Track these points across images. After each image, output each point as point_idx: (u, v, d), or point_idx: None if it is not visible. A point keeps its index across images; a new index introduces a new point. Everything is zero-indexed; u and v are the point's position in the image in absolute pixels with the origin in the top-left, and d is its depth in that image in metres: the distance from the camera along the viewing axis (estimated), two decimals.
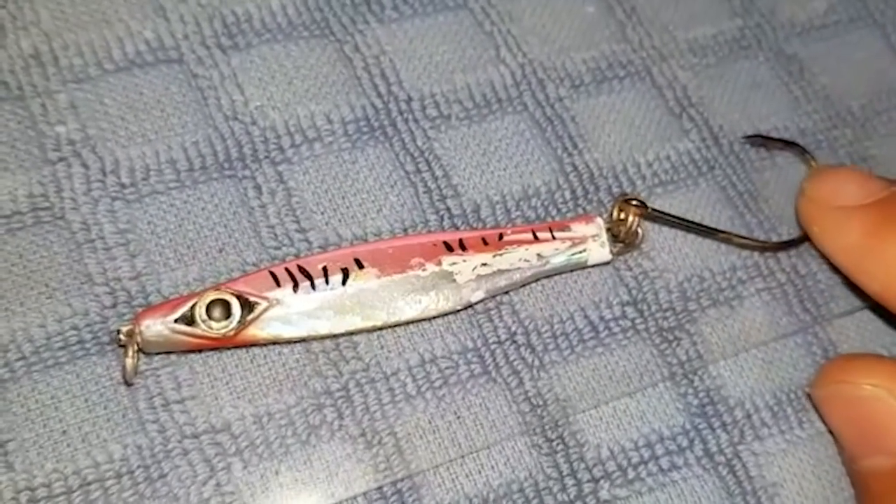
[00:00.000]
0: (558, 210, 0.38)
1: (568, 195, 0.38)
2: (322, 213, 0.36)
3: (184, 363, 0.33)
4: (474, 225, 0.37)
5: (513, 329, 0.35)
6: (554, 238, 0.35)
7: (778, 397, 0.37)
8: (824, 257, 0.38)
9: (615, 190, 0.38)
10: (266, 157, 0.36)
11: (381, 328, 0.34)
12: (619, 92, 0.41)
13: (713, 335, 0.37)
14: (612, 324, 0.36)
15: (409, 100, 0.38)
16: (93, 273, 0.33)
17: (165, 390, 0.32)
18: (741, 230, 0.39)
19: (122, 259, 0.33)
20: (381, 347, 0.34)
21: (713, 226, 0.38)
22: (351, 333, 0.34)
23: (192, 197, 0.35)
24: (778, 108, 0.42)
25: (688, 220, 0.37)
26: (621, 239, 0.37)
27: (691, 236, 0.38)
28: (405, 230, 0.36)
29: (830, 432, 0.36)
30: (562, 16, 0.41)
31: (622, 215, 0.37)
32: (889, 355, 0.39)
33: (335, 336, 0.34)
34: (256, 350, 0.33)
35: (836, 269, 0.38)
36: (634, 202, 0.36)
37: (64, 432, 0.31)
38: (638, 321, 0.36)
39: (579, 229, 0.36)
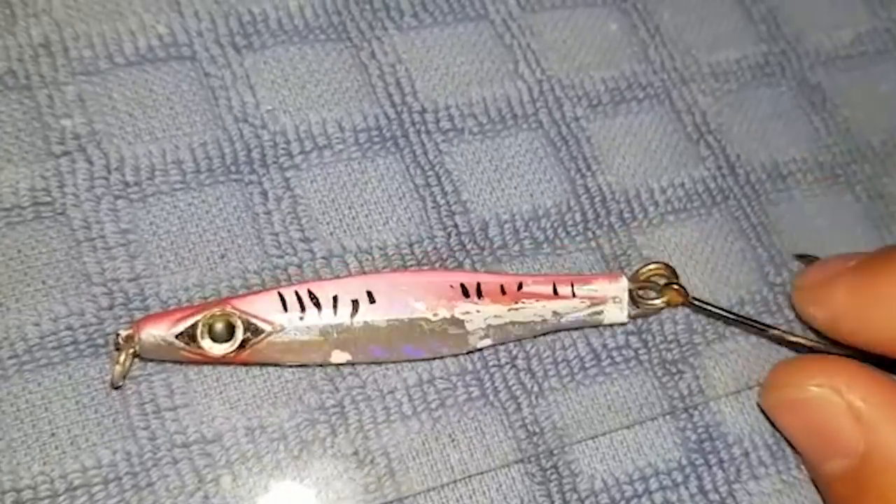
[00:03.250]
0: (567, 232, 0.37)
1: (578, 217, 0.37)
2: (328, 223, 0.35)
3: (178, 371, 0.32)
4: (482, 244, 0.36)
5: (514, 353, 0.35)
6: (574, 295, 0.35)
7: (777, 437, 0.36)
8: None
9: (626, 215, 0.38)
10: (274, 162, 0.35)
11: (380, 363, 0.33)
12: (637, 114, 0.40)
13: (716, 370, 0.36)
14: (614, 353, 0.36)
15: (423, 111, 0.38)
16: (91, 273, 0.33)
17: (158, 397, 0.32)
18: (751, 262, 0.38)
19: (122, 260, 0.33)
20: (380, 365, 0.34)
21: (761, 321, 0.36)
22: (351, 364, 0.33)
23: (196, 199, 0.34)
24: (797, 139, 0.41)
25: (735, 314, 0.36)
26: (642, 310, 0.36)
27: (699, 268, 0.37)
28: (411, 245, 0.35)
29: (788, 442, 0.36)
30: (584, 32, 0.41)
31: (653, 288, 0.36)
32: None
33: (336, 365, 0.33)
34: None
35: None
36: (676, 286, 0.35)
37: (53, 434, 0.31)
38: (641, 351, 0.36)
39: (602, 288, 0.35)
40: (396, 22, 0.39)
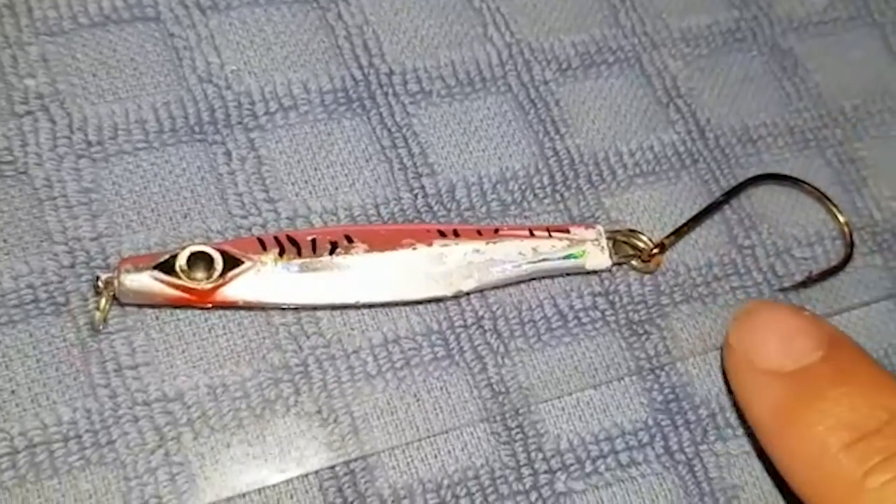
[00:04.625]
0: (535, 195, 0.37)
1: (546, 180, 0.37)
2: (293, 184, 0.35)
3: (139, 329, 0.32)
4: (448, 206, 0.36)
5: (480, 313, 0.35)
6: (550, 236, 0.35)
7: None
8: None
9: (594, 177, 0.38)
10: (238, 122, 0.35)
11: (364, 306, 0.33)
12: (607, 78, 0.40)
13: (684, 331, 0.36)
14: (581, 314, 0.35)
15: (391, 73, 0.37)
16: (53, 231, 0.32)
17: (119, 355, 0.31)
18: (720, 225, 0.38)
19: (84, 219, 0.33)
20: (344, 324, 0.33)
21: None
22: (333, 307, 0.33)
23: (159, 159, 0.34)
24: (768, 104, 0.41)
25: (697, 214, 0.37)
26: (641, 266, 0.36)
27: (667, 231, 0.37)
28: (377, 206, 0.35)
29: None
30: None
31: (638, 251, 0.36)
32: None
33: (315, 308, 0.33)
34: (215, 319, 0.33)
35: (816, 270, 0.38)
36: (655, 251, 0.36)
37: (13, 392, 0.31)
38: (608, 312, 0.36)
39: (578, 232, 0.35)
40: None
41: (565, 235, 0.35)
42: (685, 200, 0.38)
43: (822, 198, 0.39)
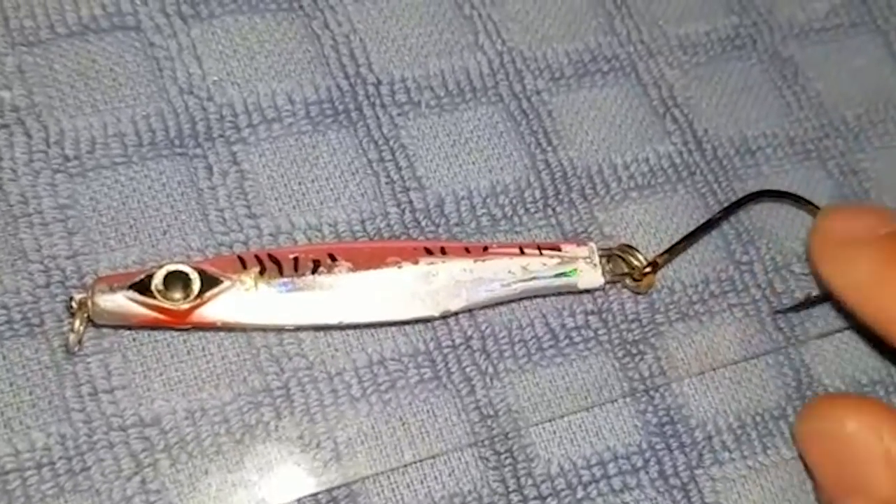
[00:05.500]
0: (526, 209, 0.36)
1: (538, 194, 0.36)
2: (276, 199, 0.34)
3: (116, 351, 0.31)
4: (437, 221, 0.35)
5: (468, 333, 0.34)
6: (541, 254, 0.34)
7: (743, 420, 0.35)
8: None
9: (588, 191, 0.37)
10: (220, 135, 0.34)
11: (348, 326, 0.32)
12: (602, 87, 0.39)
13: (679, 351, 0.35)
14: (573, 333, 0.34)
15: (378, 83, 0.36)
16: (28, 249, 0.31)
17: (95, 378, 0.30)
18: (718, 240, 0.37)
19: (60, 236, 0.32)
20: (328, 345, 0.32)
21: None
22: (316, 328, 0.32)
23: (138, 174, 0.33)
24: (767, 113, 0.40)
25: (689, 234, 0.36)
26: (633, 285, 0.35)
27: (663, 246, 0.36)
28: (363, 222, 0.34)
29: (807, 469, 0.34)
30: (547, 3, 0.39)
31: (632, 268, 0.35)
32: (868, 380, 0.37)
33: (298, 329, 0.32)
34: (194, 341, 0.32)
35: (816, 290, 0.37)
36: (647, 269, 0.35)
37: None
38: (601, 332, 0.35)
39: (570, 250, 0.34)
40: None
41: (556, 253, 0.34)
42: (682, 214, 0.37)
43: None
